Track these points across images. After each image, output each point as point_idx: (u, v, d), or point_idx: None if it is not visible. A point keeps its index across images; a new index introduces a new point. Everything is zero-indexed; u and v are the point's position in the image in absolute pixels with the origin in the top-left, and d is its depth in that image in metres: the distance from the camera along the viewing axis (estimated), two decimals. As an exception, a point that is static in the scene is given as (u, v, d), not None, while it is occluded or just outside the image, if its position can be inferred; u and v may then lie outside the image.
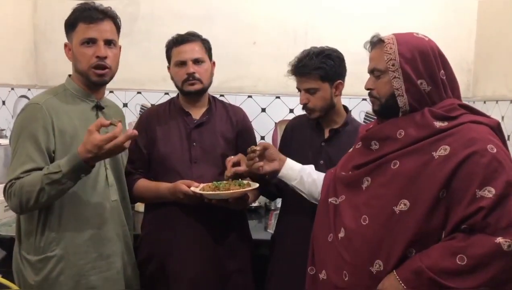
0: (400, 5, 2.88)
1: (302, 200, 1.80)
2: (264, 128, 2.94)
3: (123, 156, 1.86)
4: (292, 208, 1.93)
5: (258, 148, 1.75)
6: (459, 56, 2.78)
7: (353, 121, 2.00)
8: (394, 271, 1.33)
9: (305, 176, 1.73)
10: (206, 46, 2.01)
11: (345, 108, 1.99)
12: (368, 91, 1.47)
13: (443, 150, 1.31)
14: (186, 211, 1.90)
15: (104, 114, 1.76)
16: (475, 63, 2.83)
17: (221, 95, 2.80)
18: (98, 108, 1.75)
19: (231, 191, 1.76)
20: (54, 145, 1.61)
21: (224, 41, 2.83)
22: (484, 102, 2.60)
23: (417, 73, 1.38)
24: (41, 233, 1.62)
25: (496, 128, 1.37)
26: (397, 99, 1.40)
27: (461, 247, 1.25)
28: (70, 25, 1.69)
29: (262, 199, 2.73)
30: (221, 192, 1.75)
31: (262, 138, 2.94)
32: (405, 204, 1.33)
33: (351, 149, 1.66)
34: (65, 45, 1.72)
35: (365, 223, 1.40)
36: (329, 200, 1.60)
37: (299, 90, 1.91)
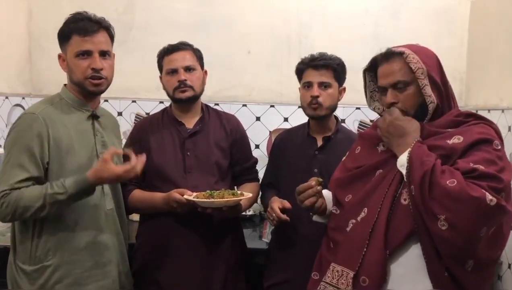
0: (392, 15, 2.90)
1: (299, 208, 1.80)
2: (259, 137, 2.94)
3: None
4: (289, 216, 1.92)
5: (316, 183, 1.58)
6: (451, 65, 2.79)
7: (344, 129, 2.04)
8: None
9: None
10: (197, 54, 2.03)
11: (335, 117, 2.04)
12: (391, 105, 1.46)
13: (456, 139, 1.37)
14: (180, 221, 1.90)
15: (99, 123, 1.76)
16: (467, 73, 2.84)
17: (216, 104, 2.80)
18: (94, 117, 1.75)
19: (225, 199, 1.76)
20: (48, 156, 1.61)
21: (219, 50, 2.85)
22: (476, 111, 2.60)
23: (440, 78, 1.44)
24: (36, 243, 1.62)
25: (499, 135, 1.44)
26: (428, 107, 1.42)
27: (457, 176, 1.28)
28: (64, 37, 1.68)
29: (256, 208, 2.74)
30: (215, 200, 1.75)
31: (257, 146, 2.94)
32: None
33: (348, 154, 1.66)
34: (59, 56, 1.72)
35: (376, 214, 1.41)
36: (331, 209, 1.60)
37: (309, 86, 1.92)
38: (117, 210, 1.81)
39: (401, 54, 1.43)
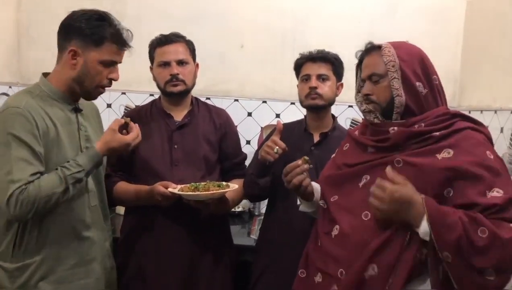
0: (387, 13, 2.88)
1: (290, 205, 1.80)
2: (250, 133, 2.91)
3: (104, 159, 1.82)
4: (280, 212, 1.92)
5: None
6: (445, 65, 2.78)
7: (340, 127, 2.04)
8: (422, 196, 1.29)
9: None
10: (190, 47, 1.99)
11: (332, 115, 2.04)
12: (365, 96, 1.46)
13: (446, 153, 1.32)
14: (165, 215, 1.87)
15: (82, 116, 1.70)
16: (461, 73, 2.82)
17: (207, 98, 2.78)
18: (77, 110, 1.68)
19: (211, 191, 1.72)
20: (42, 148, 1.53)
21: (211, 43, 2.82)
22: (469, 112, 2.59)
23: (415, 75, 1.40)
24: (19, 241, 1.55)
25: (490, 138, 1.41)
26: (394, 100, 1.40)
27: (485, 221, 1.23)
28: (94, 40, 1.57)
29: (245, 204, 2.72)
30: (200, 193, 1.72)
31: (248, 142, 2.91)
32: None
33: (337, 151, 1.65)
34: (72, 51, 1.57)
35: (367, 219, 1.38)
36: (319, 202, 1.58)
37: (307, 79, 1.93)
38: (101, 205, 1.76)
39: (379, 47, 1.45)
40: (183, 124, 1.96)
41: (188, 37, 2.03)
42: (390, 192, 1.28)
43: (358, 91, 1.54)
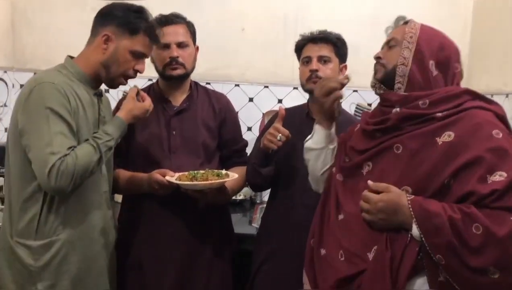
0: (393, -5, 2.79)
1: (293, 193, 1.76)
2: (251, 119, 2.85)
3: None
4: (282, 201, 1.87)
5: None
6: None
7: (344, 112, 1.95)
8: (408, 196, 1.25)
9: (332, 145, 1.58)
10: (191, 29, 1.93)
11: None
12: (377, 59, 1.42)
13: (447, 136, 1.26)
14: (163, 204, 1.82)
15: (101, 102, 1.71)
16: (469, 57, 2.73)
17: (208, 83, 2.70)
18: (99, 95, 1.70)
19: (209, 181, 1.67)
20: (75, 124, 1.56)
21: (211, 27, 2.74)
22: None
23: (431, 54, 1.35)
24: (45, 218, 1.55)
25: (501, 116, 1.32)
26: (397, 68, 1.35)
27: (479, 217, 1.17)
28: (129, 29, 1.61)
29: (247, 192, 2.67)
30: (198, 183, 1.67)
31: (249, 128, 2.85)
32: (407, 191, 1.27)
33: (349, 131, 1.57)
34: (106, 35, 1.60)
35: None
36: (336, 176, 1.51)
37: (308, 61, 1.86)
38: (110, 192, 1.77)
39: (406, 22, 1.43)
40: (181, 110, 1.90)
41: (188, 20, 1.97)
42: (374, 203, 1.29)
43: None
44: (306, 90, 1.90)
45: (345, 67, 1.92)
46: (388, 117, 1.36)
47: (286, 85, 2.83)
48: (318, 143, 1.56)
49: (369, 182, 1.32)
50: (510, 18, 2.25)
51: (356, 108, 2.69)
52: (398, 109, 1.34)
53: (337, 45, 1.87)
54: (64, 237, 1.57)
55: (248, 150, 2.06)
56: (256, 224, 2.27)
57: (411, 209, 1.23)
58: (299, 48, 1.92)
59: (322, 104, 1.47)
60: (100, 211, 1.67)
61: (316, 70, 1.82)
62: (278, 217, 1.88)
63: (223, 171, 1.78)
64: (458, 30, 2.77)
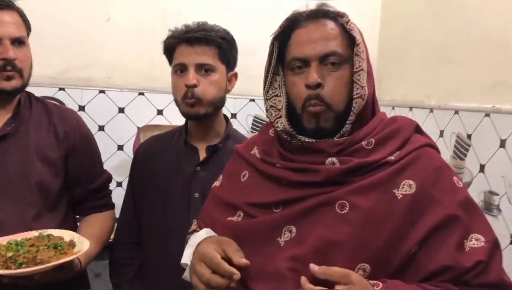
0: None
1: (167, 230, 1.51)
2: (122, 136, 2.46)
3: None
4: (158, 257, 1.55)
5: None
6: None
7: (236, 133, 1.64)
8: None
9: None
10: (24, 18, 1.50)
11: (225, 116, 1.65)
12: (309, 91, 1.03)
13: (406, 187, 1.03)
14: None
15: None
16: (378, 60, 2.54)
17: (61, 89, 2.33)
18: None
19: (33, 268, 1.14)
20: None
21: (66, 15, 2.34)
22: (393, 108, 2.39)
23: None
24: None
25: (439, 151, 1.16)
26: (353, 102, 1.04)
27: None
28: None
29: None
30: (15, 271, 1.13)
31: (120, 147, 2.43)
32: (364, 270, 0.98)
33: (223, 177, 1.23)
34: None
35: None
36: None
37: (182, 70, 1.49)
38: None
39: (340, 16, 1.07)
40: (3, 135, 1.44)
41: (32, 7, 1.56)
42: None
43: (271, 83, 1.13)
44: (182, 114, 1.53)
45: (235, 76, 1.59)
46: (317, 169, 1.04)
47: (167, 92, 2.37)
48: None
49: (312, 266, 0.95)
50: (430, 13, 2.06)
51: (254, 120, 2.53)
52: (335, 160, 1.03)
53: (222, 46, 1.50)
54: None
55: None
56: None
57: None
58: (169, 50, 1.54)
59: None
60: None
61: (194, 86, 1.46)
62: (154, 260, 1.56)
63: (67, 235, 1.29)
64: (364, 29, 2.56)
